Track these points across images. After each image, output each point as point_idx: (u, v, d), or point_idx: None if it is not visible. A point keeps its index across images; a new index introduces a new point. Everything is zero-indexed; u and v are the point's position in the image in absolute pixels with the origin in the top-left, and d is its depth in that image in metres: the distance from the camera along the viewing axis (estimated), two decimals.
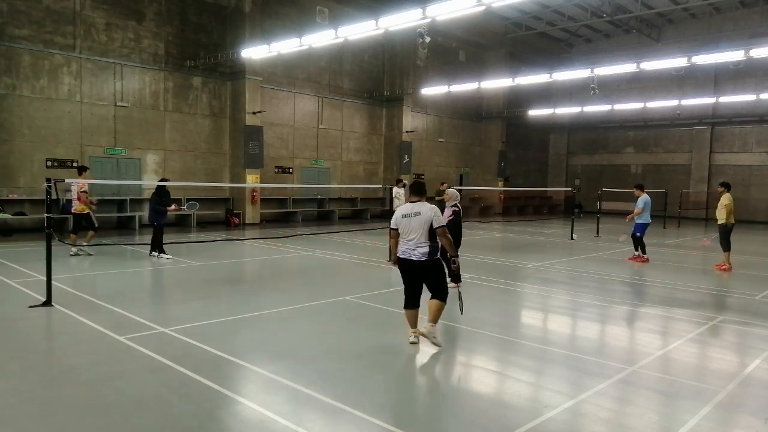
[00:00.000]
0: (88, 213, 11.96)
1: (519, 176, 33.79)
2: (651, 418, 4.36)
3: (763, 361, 5.80)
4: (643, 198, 13.02)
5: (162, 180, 12.85)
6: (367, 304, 7.98)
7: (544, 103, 31.75)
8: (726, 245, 11.89)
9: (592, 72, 19.98)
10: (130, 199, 17.55)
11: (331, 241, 15.68)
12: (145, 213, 16.59)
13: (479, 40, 28.40)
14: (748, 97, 24.94)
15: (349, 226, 21.06)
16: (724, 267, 11.85)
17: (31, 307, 7.18)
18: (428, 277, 5.87)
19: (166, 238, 12.37)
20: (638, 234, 12.92)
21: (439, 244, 5.83)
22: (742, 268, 12.18)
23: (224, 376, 4.95)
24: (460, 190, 9.86)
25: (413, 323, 6.02)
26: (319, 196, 23.45)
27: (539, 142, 35.94)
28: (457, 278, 7.84)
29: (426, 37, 14.23)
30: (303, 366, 5.25)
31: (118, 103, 17.64)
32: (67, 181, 10.22)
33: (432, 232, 5.73)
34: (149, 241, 11.98)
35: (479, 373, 5.46)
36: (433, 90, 24.64)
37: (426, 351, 5.92)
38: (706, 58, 18.62)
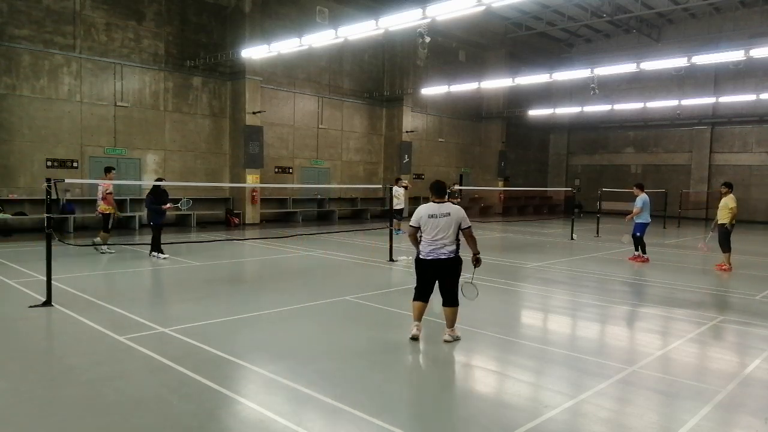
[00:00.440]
0: (109, 213, 12.18)
1: (519, 176, 33.79)
2: (651, 418, 4.36)
3: (763, 361, 5.80)
4: (642, 197, 13.01)
5: (157, 180, 12.87)
6: (367, 304, 7.98)
7: (544, 103, 31.75)
8: (726, 246, 11.88)
9: (592, 72, 19.98)
10: (130, 199, 17.53)
11: (331, 241, 15.68)
12: (144, 213, 16.58)
13: (479, 40, 28.39)
14: (748, 97, 24.93)
15: (349, 226, 21.07)
16: (724, 267, 11.84)
17: (31, 307, 7.19)
18: (450, 275, 5.99)
19: (166, 238, 12.39)
20: (638, 234, 12.91)
21: (459, 243, 6.00)
22: (742, 268, 12.18)
23: (224, 376, 4.95)
24: (460, 190, 9.86)
25: (419, 316, 6.15)
26: (319, 196, 23.45)
27: (539, 142, 35.94)
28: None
29: (426, 37, 14.23)
30: (303, 366, 5.25)
31: (118, 103, 17.64)
32: (94, 181, 10.29)
33: (457, 232, 5.92)
34: (149, 241, 11.99)
35: (479, 373, 5.46)
36: (433, 90, 24.63)
37: (426, 351, 5.93)
38: (706, 58, 18.62)
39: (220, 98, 20.22)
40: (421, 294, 6.12)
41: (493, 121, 30.92)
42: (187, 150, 19.42)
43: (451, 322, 6.10)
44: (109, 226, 12.37)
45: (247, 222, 19.99)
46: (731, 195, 11.96)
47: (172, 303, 8.19)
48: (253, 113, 19.82)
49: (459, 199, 18.73)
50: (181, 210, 14.44)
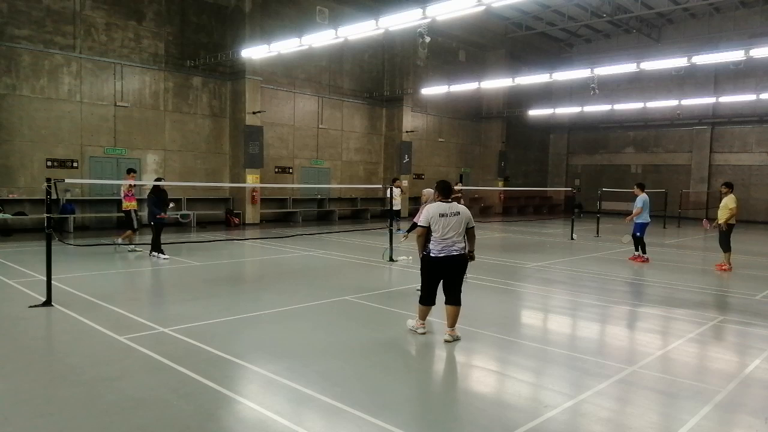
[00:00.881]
0: (130, 211, 12.59)
1: (519, 176, 33.79)
2: (651, 418, 4.36)
3: (763, 361, 5.80)
4: (642, 197, 13.00)
5: (157, 180, 12.93)
6: (367, 304, 7.98)
7: (544, 103, 31.76)
8: (726, 246, 11.87)
9: (592, 72, 19.97)
10: None
11: (331, 241, 15.68)
12: (144, 212, 16.58)
13: (479, 40, 28.39)
14: (748, 97, 24.93)
15: (349, 226, 21.06)
16: (724, 267, 11.84)
17: (31, 307, 7.19)
18: (459, 272, 6.13)
19: (166, 238, 12.38)
20: (638, 234, 12.91)
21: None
22: (742, 268, 12.18)
23: (224, 376, 4.95)
24: (460, 190, 9.88)
25: (425, 316, 6.34)
26: (319, 196, 23.46)
27: (539, 142, 35.94)
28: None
29: (426, 37, 14.22)
30: (303, 366, 5.25)
31: (118, 103, 17.65)
32: (118, 182, 10.51)
33: (464, 231, 6.12)
34: (149, 241, 12.00)
35: (479, 373, 5.46)
36: (433, 90, 24.63)
37: (426, 351, 5.93)
38: (706, 58, 18.62)
39: (220, 98, 20.22)
40: (430, 298, 6.20)
41: (493, 121, 30.92)
42: (187, 150, 19.42)
43: (453, 322, 6.13)
44: (135, 225, 12.65)
45: (247, 222, 19.99)
46: (731, 195, 11.95)
47: (172, 303, 8.18)
48: (253, 113, 19.82)
49: (461, 201, 18.71)
50: (181, 222, 14.71)
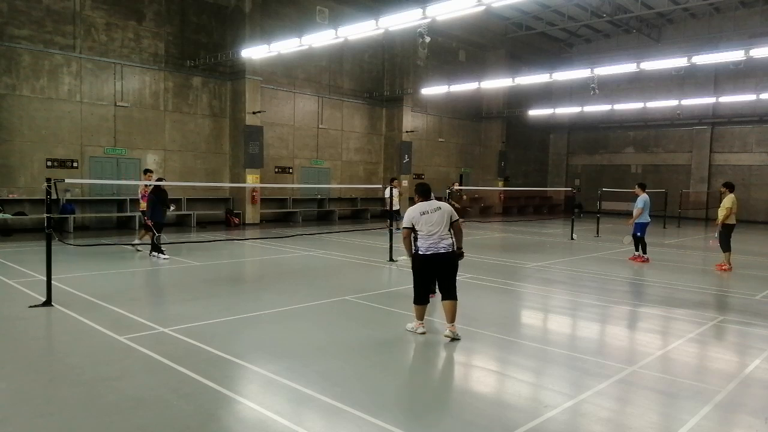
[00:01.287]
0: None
1: (519, 176, 33.79)
2: (651, 418, 4.36)
3: (763, 361, 5.80)
4: (643, 197, 12.99)
5: (157, 180, 12.92)
6: (367, 304, 7.98)
7: (544, 103, 31.75)
8: (726, 246, 11.87)
9: (592, 72, 19.97)
10: (130, 199, 17.51)
11: (331, 241, 15.68)
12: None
13: (479, 40, 28.39)
14: (748, 97, 24.93)
15: (349, 226, 21.06)
16: (724, 267, 11.84)
17: (31, 307, 7.19)
18: (450, 269, 6.17)
19: (166, 238, 12.37)
20: (638, 234, 12.90)
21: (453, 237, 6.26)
22: (742, 268, 12.18)
23: (224, 376, 4.95)
24: (460, 190, 9.87)
25: (423, 316, 6.36)
26: (319, 196, 23.46)
27: (539, 142, 35.93)
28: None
29: (426, 37, 14.22)
30: (303, 366, 5.25)
31: (118, 103, 17.64)
32: (136, 182, 10.48)
33: (449, 226, 6.19)
34: (149, 241, 11.99)
35: (479, 373, 5.46)
36: (433, 90, 24.62)
37: (426, 351, 5.92)
38: (706, 58, 18.62)
39: (220, 98, 20.22)
40: (424, 297, 6.29)
41: (493, 121, 30.92)
42: (187, 150, 19.42)
43: (452, 317, 6.14)
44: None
45: (247, 222, 19.99)
46: (730, 195, 11.93)
47: (172, 303, 8.18)
48: (253, 113, 19.82)
49: (463, 197, 18.72)
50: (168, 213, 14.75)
